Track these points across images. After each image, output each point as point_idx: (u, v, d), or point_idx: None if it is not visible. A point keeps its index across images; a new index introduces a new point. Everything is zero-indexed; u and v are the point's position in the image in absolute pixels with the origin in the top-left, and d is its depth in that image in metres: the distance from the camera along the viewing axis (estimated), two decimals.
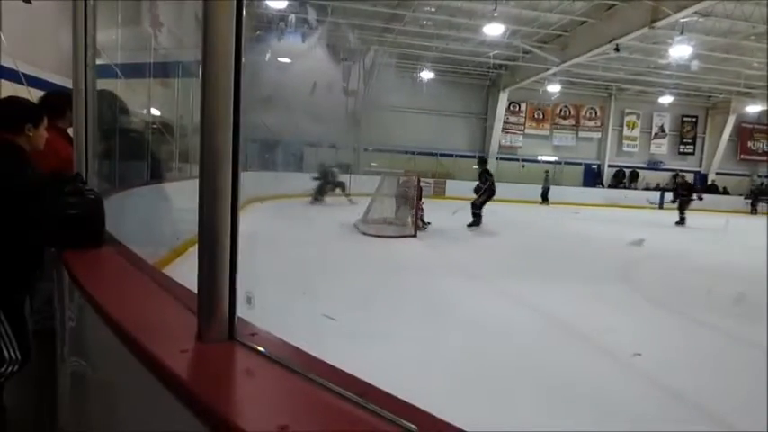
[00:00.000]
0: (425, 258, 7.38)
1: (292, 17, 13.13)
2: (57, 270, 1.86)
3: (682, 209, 13.72)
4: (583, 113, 22.88)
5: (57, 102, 2.72)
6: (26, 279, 1.90)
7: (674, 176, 14.76)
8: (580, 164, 23.09)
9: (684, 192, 13.98)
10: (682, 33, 13.21)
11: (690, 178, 14.34)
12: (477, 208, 10.33)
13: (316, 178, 13.56)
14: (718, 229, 12.58)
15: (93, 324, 1.19)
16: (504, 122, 21.91)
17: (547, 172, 20.69)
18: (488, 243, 9.09)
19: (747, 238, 11.03)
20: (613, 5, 13.11)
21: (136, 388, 1.00)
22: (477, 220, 10.32)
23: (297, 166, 16.65)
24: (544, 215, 14.69)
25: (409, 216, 9.18)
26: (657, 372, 3.41)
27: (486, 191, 10.28)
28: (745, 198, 22.08)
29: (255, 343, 0.91)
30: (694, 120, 23.78)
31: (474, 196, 10.48)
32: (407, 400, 0.72)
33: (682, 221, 13.58)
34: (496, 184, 10.76)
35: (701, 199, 13.99)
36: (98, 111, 2.08)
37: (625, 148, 23.41)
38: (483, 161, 11.36)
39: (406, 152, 20.52)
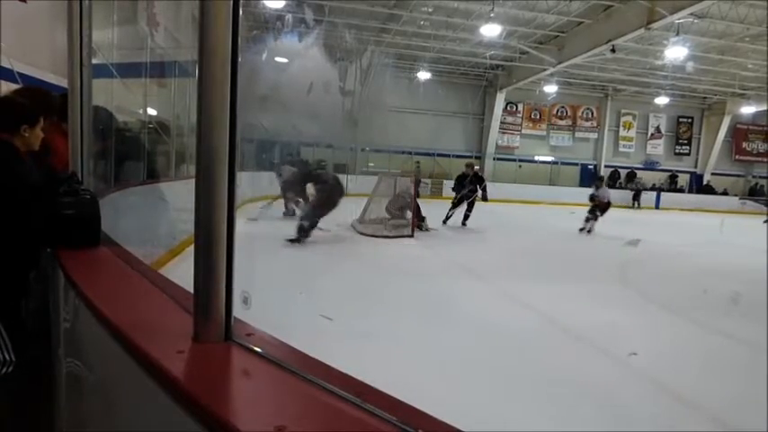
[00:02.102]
0: (422, 258, 7.38)
1: (289, 17, 13.12)
2: (52, 270, 1.85)
3: (469, 205, 10.75)
4: (579, 114, 22.95)
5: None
6: (21, 280, 1.89)
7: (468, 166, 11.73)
8: (577, 164, 23.16)
9: (472, 186, 10.81)
10: (677, 35, 13.27)
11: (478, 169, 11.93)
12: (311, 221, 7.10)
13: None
14: (714, 229, 12.63)
15: (88, 325, 1.18)
16: (502, 123, 21.97)
17: (418, 163, 20.15)
18: (485, 243, 9.10)
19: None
20: (610, 6, 13.15)
21: (132, 389, 1.00)
22: (305, 232, 7.16)
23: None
24: (540, 215, 14.72)
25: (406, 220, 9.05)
26: (653, 371, 3.42)
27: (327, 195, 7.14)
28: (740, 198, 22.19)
29: (252, 343, 0.90)
30: (690, 120, 23.90)
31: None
32: (405, 401, 0.72)
33: (452, 215, 10.80)
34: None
35: (485, 199, 10.79)
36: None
37: (621, 149, 23.51)
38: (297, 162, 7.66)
39: (403, 152, 20.53)
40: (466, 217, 10.58)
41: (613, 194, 12.10)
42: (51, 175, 1.97)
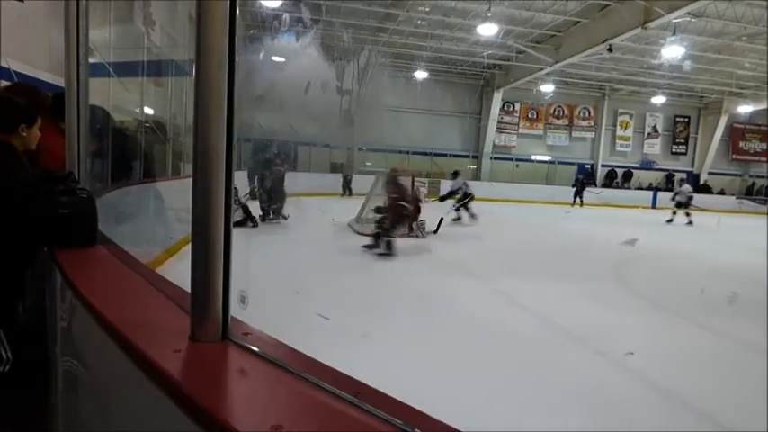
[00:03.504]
0: (420, 258, 7.38)
1: (286, 16, 13.08)
2: (49, 270, 1.85)
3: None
4: (576, 113, 22.99)
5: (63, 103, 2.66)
6: (18, 278, 1.88)
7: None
8: (573, 164, 23.20)
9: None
10: (674, 34, 13.30)
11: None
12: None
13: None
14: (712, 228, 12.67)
15: (85, 324, 1.18)
16: (499, 122, 21.99)
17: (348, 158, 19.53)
18: (482, 243, 9.10)
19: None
20: (607, 6, 13.17)
21: (129, 388, 1.00)
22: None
23: (290, 166, 16.59)
24: (537, 215, 14.72)
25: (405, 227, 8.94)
26: (650, 371, 3.43)
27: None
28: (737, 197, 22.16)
29: (249, 342, 0.90)
30: (687, 120, 23.95)
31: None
32: (402, 400, 0.72)
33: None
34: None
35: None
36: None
37: (618, 148, 23.55)
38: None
39: (401, 152, 20.55)
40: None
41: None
42: (47, 175, 1.96)
